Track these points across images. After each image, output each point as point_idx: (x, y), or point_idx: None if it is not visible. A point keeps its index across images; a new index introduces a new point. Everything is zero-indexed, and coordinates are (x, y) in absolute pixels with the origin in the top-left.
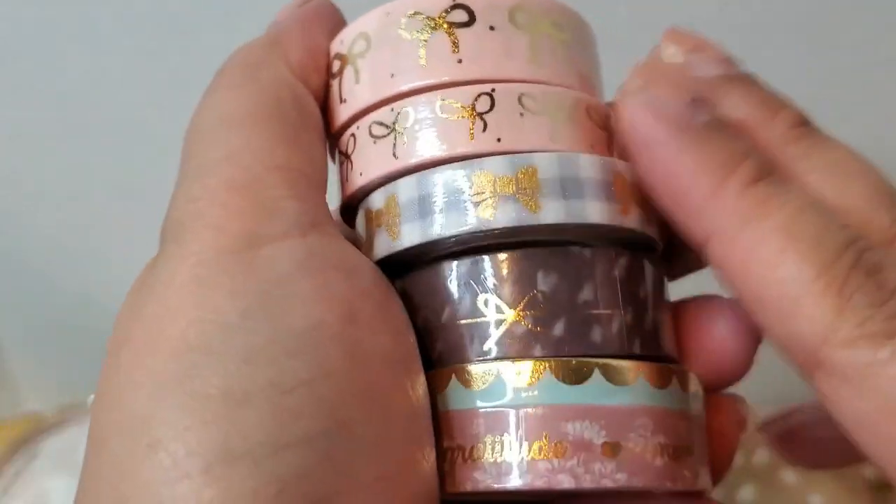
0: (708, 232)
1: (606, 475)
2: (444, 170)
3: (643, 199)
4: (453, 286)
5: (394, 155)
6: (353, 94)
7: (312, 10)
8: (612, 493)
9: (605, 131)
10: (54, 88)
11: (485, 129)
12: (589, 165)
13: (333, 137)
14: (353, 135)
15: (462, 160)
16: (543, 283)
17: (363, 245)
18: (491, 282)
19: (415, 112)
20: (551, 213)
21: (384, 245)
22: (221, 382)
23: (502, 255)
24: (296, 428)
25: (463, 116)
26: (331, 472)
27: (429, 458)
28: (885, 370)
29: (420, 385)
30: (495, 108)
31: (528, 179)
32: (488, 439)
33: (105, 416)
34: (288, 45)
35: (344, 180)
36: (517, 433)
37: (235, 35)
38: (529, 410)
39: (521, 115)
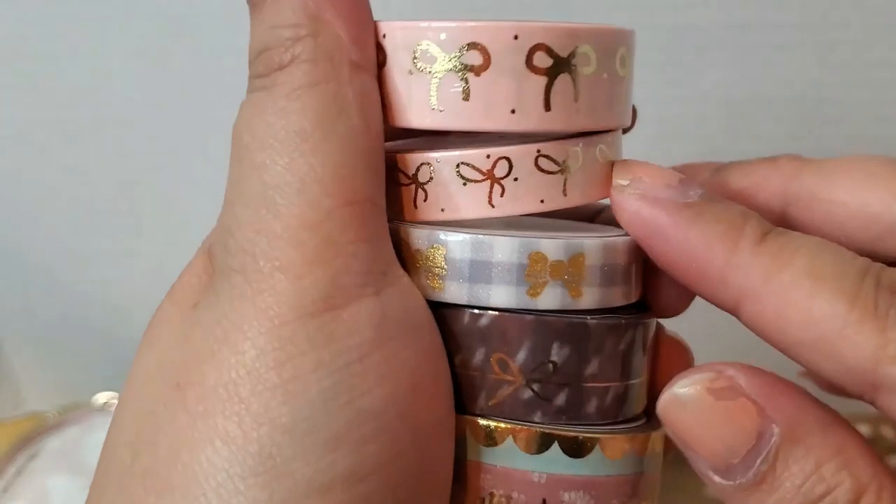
0: (736, 297)
1: None
2: (503, 242)
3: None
4: (471, 336)
5: (490, 203)
6: (454, 109)
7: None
8: None
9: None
10: (54, 88)
11: (575, 186)
12: (623, 252)
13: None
14: (428, 164)
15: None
16: (557, 354)
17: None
18: (508, 343)
19: (516, 162)
20: (589, 300)
21: (424, 290)
22: (305, 468)
23: (525, 319)
24: None
25: (557, 171)
26: None
27: None
28: None
29: (453, 444)
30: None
31: (576, 267)
32: (495, 492)
33: (154, 456)
34: (342, 30)
35: (403, 200)
36: (519, 494)
37: (235, 35)
38: (534, 477)
39: (594, 166)
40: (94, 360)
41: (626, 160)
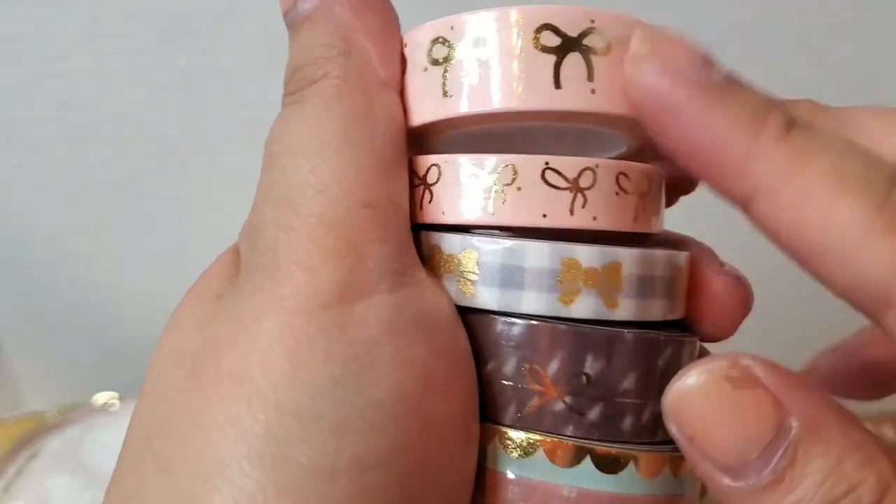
0: (750, 190)
1: None
2: (535, 246)
3: (684, 285)
4: (504, 344)
5: (489, 210)
6: (466, 94)
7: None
8: None
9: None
10: (54, 88)
11: (584, 206)
12: (663, 264)
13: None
14: (437, 165)
15: (557, 232)
16: (591, 366)
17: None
18: (540, 352)
19: (521, 172)
20: (625, 311)
21: (455, 295)
22: (311, 453)
23: (558, 329)
24: None
25: (566, 188)
26: None
27: None
28: None
29: (474, 449)
30: (595, 186)
31: (610, 276)
32: None
33: (169, 439)
34: (371, 51)
35: (418, 203)
36: None
37: (236, 35)
38: (564, 491)
39: (617, 194)
40: (94, 360)
41: (645, 30)
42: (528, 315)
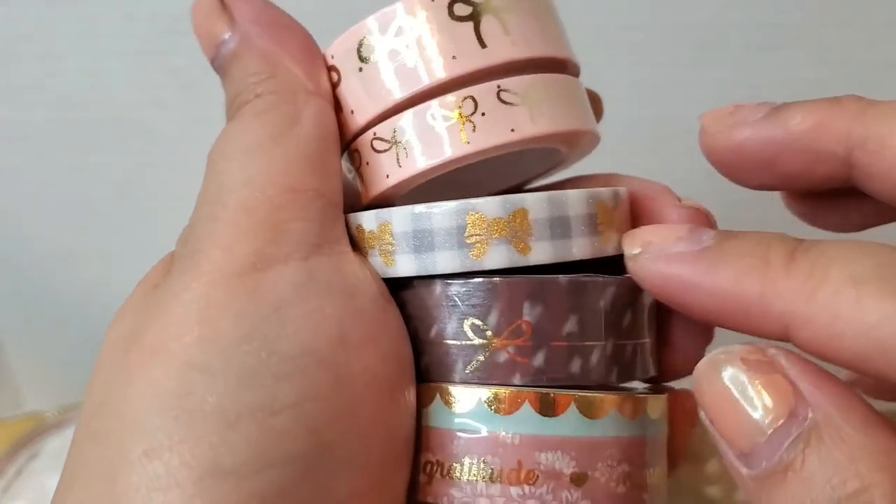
0: (783, 326)
1: (572, 502)
2: (440, 207)
3: (621, 221)
4: (443, 306)
5: (464, 141)
6: (405, 78)
7: (284, 24)
8: None
9: None
10: (54, 88)
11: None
12: (576, 202)
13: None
14: (406, 122)
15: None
16: (529, 313)
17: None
18: (479, 307)
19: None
20: (540, 254)
21: (379, 269)
22: (216, 401)
23: (492, 281)
24: (280, 449)
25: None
26: (308, 489)
27: (403, 475)
28: None
29: (406, 405)
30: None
31: (519, 222)
32: (466, 460)
33: (101, 415)
34: (296, 69)
35: (372, 177)
36: (493, 458)
37: None
38: (507, 439)
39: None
40: (93, 361)
41: (631, 231)
42: (444, 275)
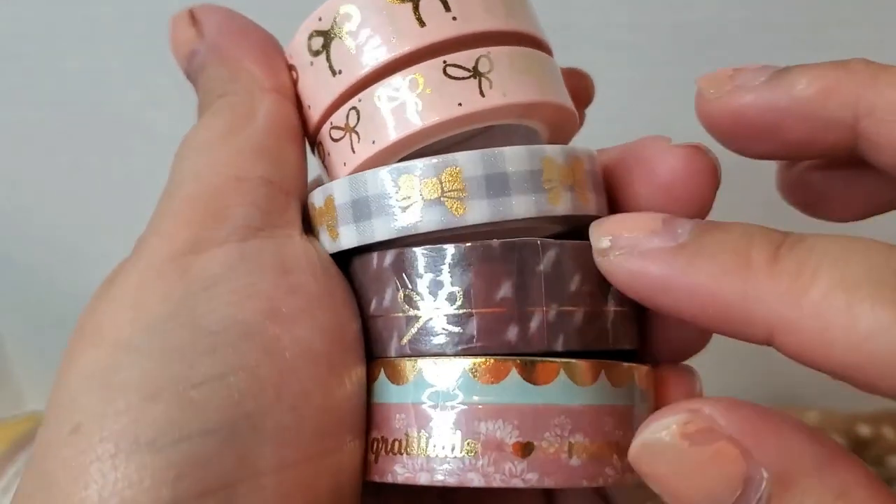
0: (766, 330)
1: (517, 475)
2: (373, 173)
3: (577, 181)
4: (378, 279)
5: (411, 121)
6: (350, 67)
7: (238, 24)
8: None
9: None
10: (54, 88)
11: (491, 87)
12: (515, 158)
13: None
14: (354, 108)
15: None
16: (459, 280)
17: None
18: (411, 277)
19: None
20: (476, 214)
21: (327, 244)
22: (139, 375)
23: (422, 250)
24: (198, 420)
25: (468, 77)
26: (230, 461)
27: (347, 449)
28: None
29: (349, 379)
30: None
31: (452, 181)
32: (408, 434)
33: (49, 404)
34: (256, 70)
35: (350, 153)
36: (433, 430)
37: None
38: (447, 409)
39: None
40: None
41: (600, 219)
42: (383, 241)
